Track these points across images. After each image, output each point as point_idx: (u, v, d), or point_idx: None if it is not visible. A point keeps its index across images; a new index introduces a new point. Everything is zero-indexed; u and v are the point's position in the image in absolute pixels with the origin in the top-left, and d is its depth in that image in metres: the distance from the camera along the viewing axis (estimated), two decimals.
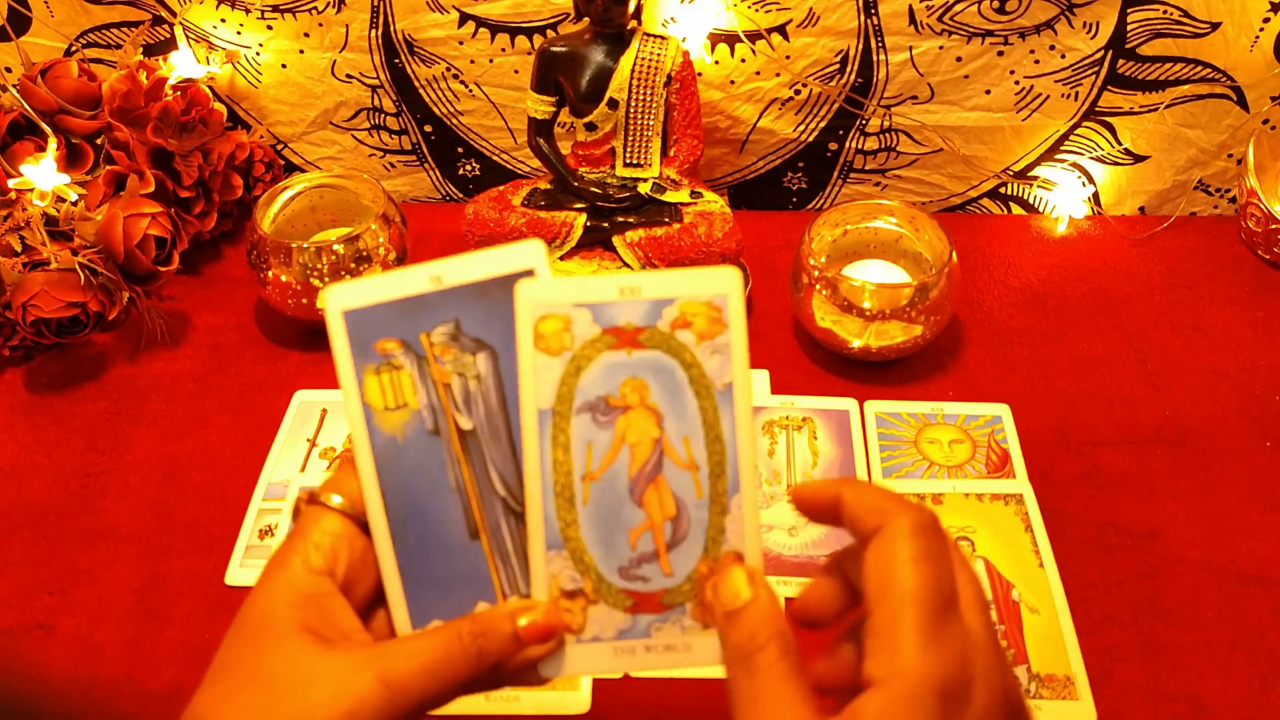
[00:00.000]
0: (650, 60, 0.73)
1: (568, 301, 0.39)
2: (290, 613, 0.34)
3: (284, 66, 0.85)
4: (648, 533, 0.39)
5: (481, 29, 0.80)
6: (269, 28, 0.83)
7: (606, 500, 0.38)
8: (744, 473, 0.38)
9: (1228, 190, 0.86)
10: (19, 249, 0.72)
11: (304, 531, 0.37)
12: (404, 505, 0.38)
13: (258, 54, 0.85)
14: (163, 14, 0.84)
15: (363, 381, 0.38)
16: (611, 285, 0.39)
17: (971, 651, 0.32)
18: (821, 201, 0.90)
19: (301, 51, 0.84)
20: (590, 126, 0.76)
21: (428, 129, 0.88)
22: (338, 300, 0.38)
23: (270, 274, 0.73)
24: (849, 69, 0.80)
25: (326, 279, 0.72)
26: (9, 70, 0.85)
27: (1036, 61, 0.78)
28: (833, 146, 0.85)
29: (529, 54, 0.80)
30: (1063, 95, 0.80)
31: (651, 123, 0.75)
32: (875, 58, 0.79)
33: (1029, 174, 0.86)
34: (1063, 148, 0.84)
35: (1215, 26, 0.75)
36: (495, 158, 0.90)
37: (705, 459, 0.38)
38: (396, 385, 0.39)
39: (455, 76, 0.84)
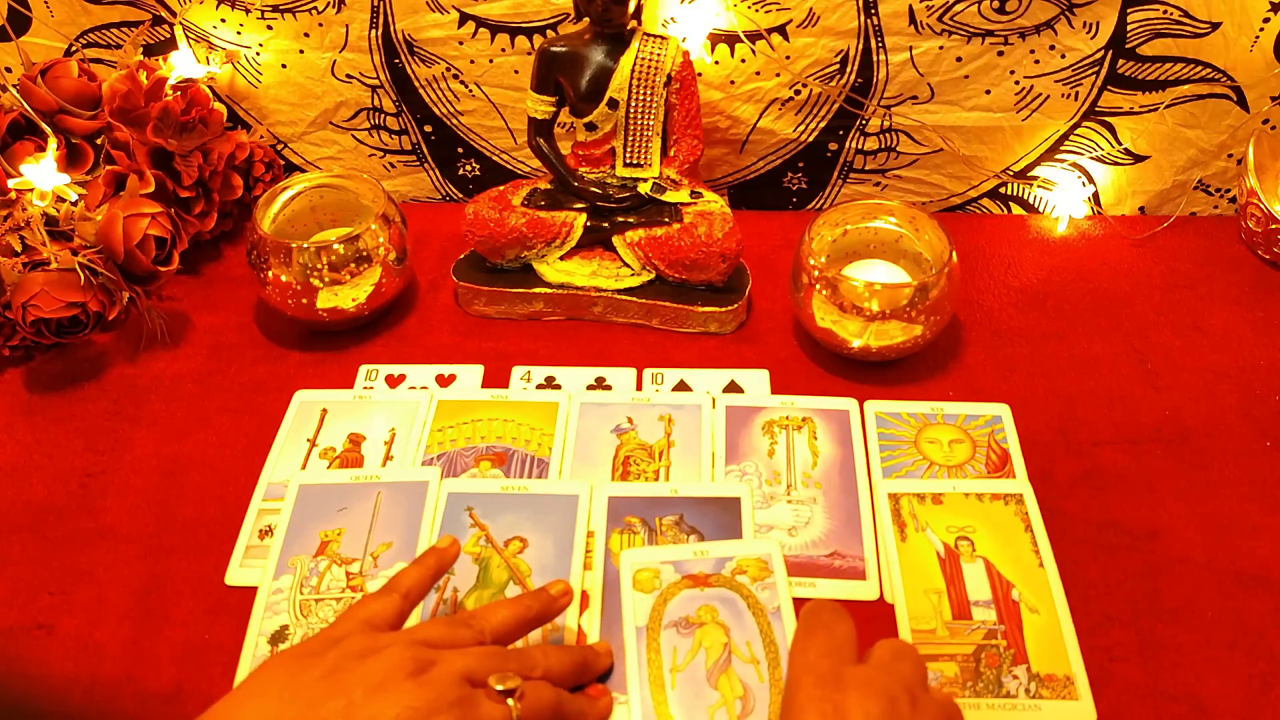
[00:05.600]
0: (650, 60, 0.73)
1: (656, 560, 0.58)
2: None
3: (284, 66, 0.85)
4: (723, 708, 0.52)
5: (481, 29, 0.80)
6: (269, 28, 0.83)
7: (689, 686, 0.53)
8: None
9: (1228, 190, 0.86)
10: (19, 249, 0.72)
11: None
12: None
13: (258, 54, 0.85)
14: (163, 14, 0.84)
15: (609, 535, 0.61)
16: (687, 549, 0.59)
17: None
18: (821, 201, 0.90)
19: (301, 51, 0.84)
20: (590, 126, 0.76)
21: (428, 129, 0.88)
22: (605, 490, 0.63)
23: (270, 274, 0.73)
24: (849, 69, 0.80)
25: (326, 279, 0.72)
26: (9, 70, 0.85)
27: (1036, 61, 0.78)
28: (833, 147, 0.85)
29: (529, 54, 0.80)
30: (1063, 95, 0.80)
31: (651, 123, 0.75)
32: (875, 58, 0.79)
33: (1029, 174, 0.86)
34: (1063, 148, 0.84)
35: (1215, 26, 0.75)
36: (495, 158, 0.90)
37: (764, 656, 0.54)
38: (631, 541, 0.61)
39: (455, 76, 0.84)
